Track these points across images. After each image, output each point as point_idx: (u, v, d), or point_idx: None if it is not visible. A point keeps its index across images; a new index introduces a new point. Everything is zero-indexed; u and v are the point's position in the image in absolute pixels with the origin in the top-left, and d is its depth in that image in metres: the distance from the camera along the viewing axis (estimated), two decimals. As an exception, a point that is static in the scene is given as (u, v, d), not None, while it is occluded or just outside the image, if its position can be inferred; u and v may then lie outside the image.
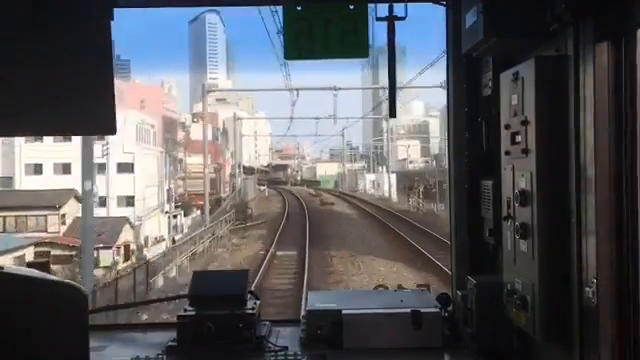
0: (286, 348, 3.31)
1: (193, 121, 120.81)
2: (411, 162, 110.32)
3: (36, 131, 2.05)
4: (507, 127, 2.91)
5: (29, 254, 36.36)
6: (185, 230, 55.63)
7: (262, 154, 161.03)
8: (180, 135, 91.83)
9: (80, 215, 29.32)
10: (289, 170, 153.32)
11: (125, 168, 58.49)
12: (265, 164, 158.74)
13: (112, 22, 1.80)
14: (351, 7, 3.56)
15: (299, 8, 3.58)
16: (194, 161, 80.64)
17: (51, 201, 45.62)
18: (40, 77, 1.70)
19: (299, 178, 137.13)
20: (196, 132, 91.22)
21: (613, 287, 2.33)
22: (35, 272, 1.83)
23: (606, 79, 2.33)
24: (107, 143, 50.16)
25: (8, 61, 1.66)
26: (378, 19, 3.63)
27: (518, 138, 2.79)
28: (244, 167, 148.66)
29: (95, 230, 28.13)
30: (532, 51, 2.84)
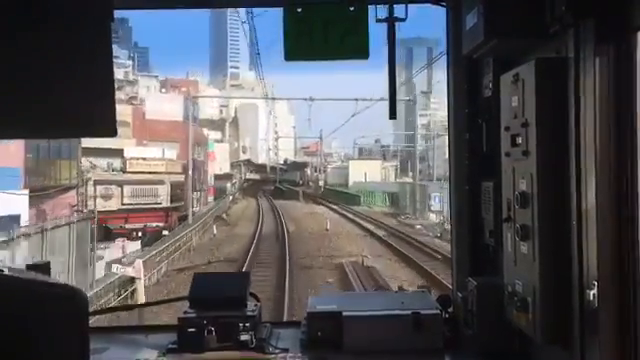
0: (287, 350, 3.30)
1: (162, 91, 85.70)
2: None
3: (35, 133, 2.05)
4: (507, 129, 2.91)
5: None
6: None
7: (283, 149, 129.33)
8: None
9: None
10: (308, 170, 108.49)
11: None
12: (282, 162, 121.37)
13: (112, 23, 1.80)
14: (351, 8, 3.56)
15: (299, 9, 3.58)
16: (145, 153, 49.74)
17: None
18: (39, 78, 1.70)
19: (321, 183, 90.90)
20: (160, 108, 58.13)
21: (614, 289, 2.33)
22: (35, 275, 1.83)
23: (606, 81, 2.33)
24: None
25: (6, 61, 1.65)
26: (378, 20, 3.63)
27: (518, 140, 2.79)
28: (253, 165, 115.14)
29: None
30: (532, 53, 2.84)
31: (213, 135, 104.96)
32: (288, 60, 3.72)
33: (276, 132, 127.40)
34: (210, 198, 67.58)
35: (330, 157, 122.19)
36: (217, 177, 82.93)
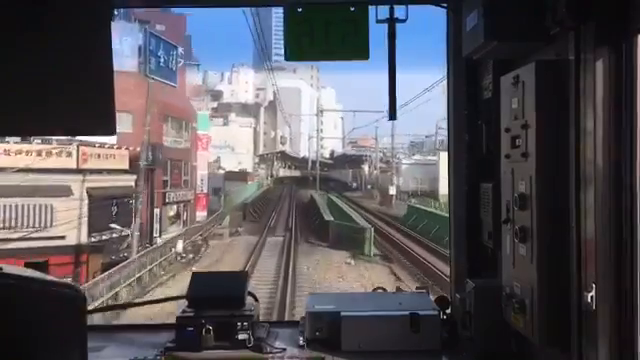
0: (284, 349, 3.31)
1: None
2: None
3: (35, 131, 2.06)
4: (507, 130, 2.91)
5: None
6: None
7: (329, 136, 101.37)
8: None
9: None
10: (365, 167, 72.21)
11: None
12: (328, 155, 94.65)
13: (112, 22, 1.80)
14: (352, 9, 3.56)
15: (300, 9, 3.58)
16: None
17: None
18: (39, 77, 1.70)
19: (393, 191, 52.02)
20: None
21: (612, 292, 2.33)
22: (33, 272, 1.83)
23: (606, 83, 2.33)
24: None
25: (6, 61, 1.66)
26: (378, 21, 3.63)
27: (518, 142, 2.79)
28: (290, 158, 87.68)
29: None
30: (533, 55, 2.84)
31: (245, 122, 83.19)
32: (288, 60, 3.72)
33: (321, 109, 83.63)
34: (201, 214, 41.71)
35: (385, 155, 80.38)
36: (228, 176, 59.73)
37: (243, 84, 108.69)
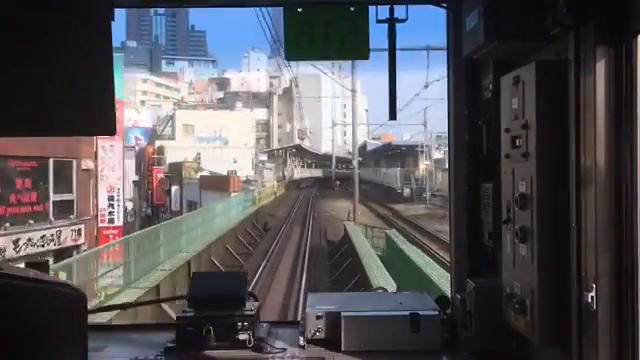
0: (285, 350, 3.31)
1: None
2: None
3: (35, 131, 2.07)
4: (507, 130, 2.91)
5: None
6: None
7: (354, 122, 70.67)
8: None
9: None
10: (422, 165, 53.20)
11: None
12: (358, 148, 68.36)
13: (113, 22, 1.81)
14: (352, 9, 3.56)
15: (300, 9, 3.58)
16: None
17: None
18: (39, 77, 1.70)
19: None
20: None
21: (612, 292, 2.33)
22: (33, 272, 1.83)
23: (606, 83, 2.33)
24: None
25: (6, 61, 1.66)
26: (378, 21, 3.64)
27: (518, 142, 2.79)
28: (307, 154, 68.01)
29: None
30: (533, 55, 2.84)
31: (256, 114, 67.79)
32: (288, 60, 3.72)
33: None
34: (115, 273, 16.70)
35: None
36: (203, 184, 42.08)
37: (255, 73, 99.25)
